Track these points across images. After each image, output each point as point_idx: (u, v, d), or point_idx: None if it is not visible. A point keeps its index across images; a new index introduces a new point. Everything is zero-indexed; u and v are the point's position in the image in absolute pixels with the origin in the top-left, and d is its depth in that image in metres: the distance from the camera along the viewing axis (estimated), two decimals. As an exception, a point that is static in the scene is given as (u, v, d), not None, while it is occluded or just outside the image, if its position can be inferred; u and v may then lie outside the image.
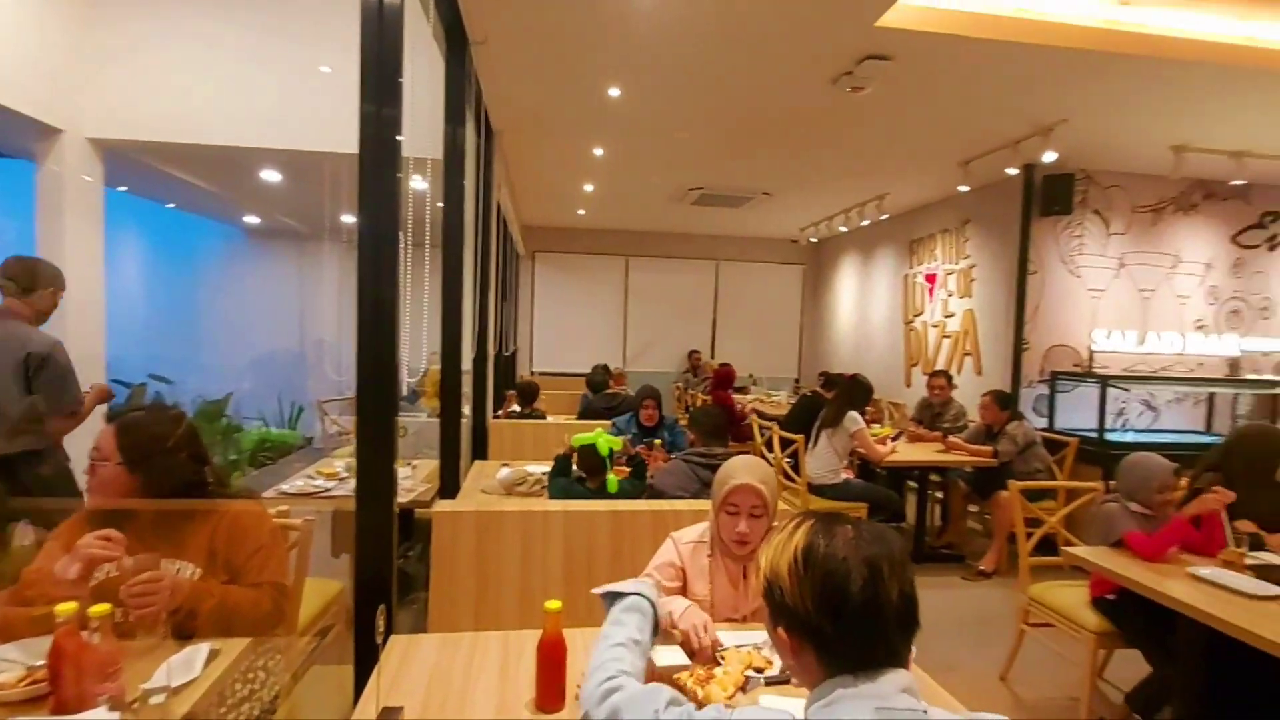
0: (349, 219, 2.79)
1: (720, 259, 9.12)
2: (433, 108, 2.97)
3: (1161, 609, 2.06)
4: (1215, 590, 2.04)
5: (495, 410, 4.94)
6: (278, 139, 3.29)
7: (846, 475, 4.17)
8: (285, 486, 2.86)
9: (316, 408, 4.45)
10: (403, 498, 2.77)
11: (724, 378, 6.29)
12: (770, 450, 4.35)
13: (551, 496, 2.64)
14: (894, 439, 4.60)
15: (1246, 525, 2.37)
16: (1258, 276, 5.30)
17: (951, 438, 4.46)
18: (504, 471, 2.96)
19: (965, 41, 2.96)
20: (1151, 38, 3.03)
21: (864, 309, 7.70)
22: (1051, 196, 4.82)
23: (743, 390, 8.04)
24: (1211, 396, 5.28)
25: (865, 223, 6.70)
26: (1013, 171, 4.59)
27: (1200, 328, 5.24)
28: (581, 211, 7.61)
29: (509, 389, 5.45)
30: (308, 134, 3.21)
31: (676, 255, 9.01)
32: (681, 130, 4.48)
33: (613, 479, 2.56)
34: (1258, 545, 2.33)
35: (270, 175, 4.20)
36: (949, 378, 4.89)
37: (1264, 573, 2.11)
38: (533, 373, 8.65)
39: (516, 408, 4.79)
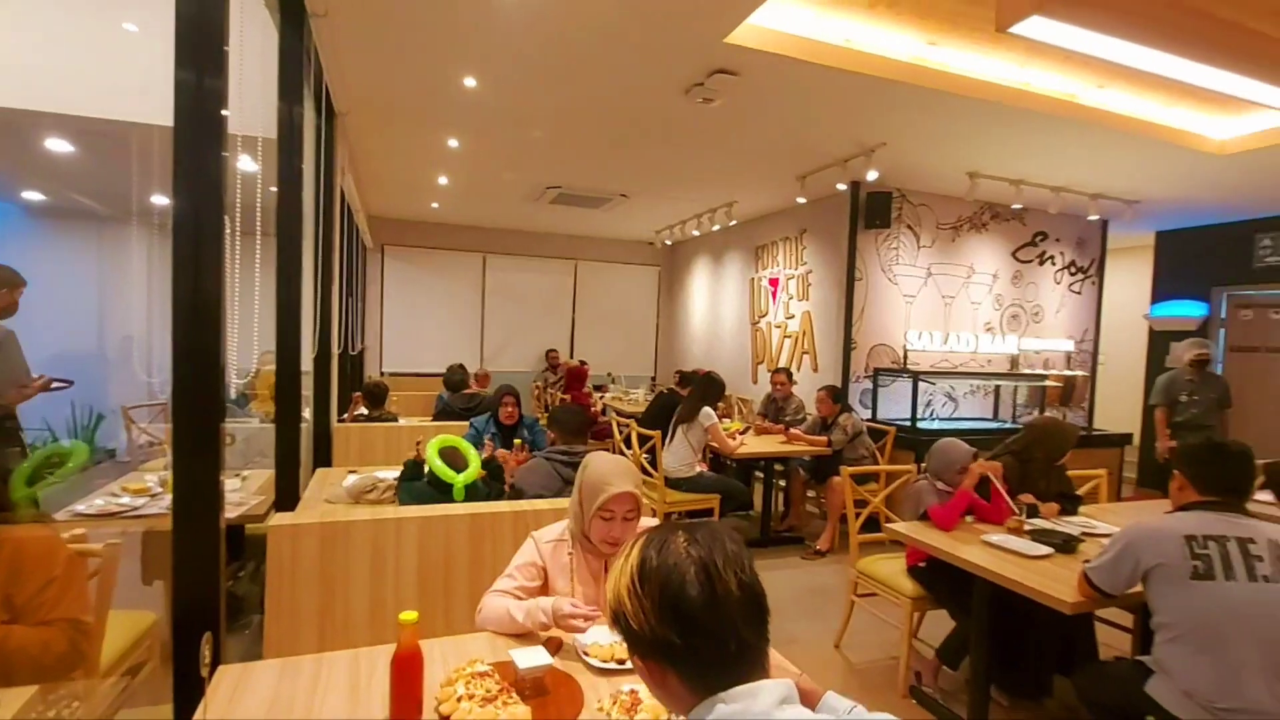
0: (162, 200, 2.46)
1: (579, 259, 9.17)
2: (264, 81, 2.70)
3: (962, 572, 2.38)
4: (1001, 553, 2.38)
5: (340, 414, 4.61)
6: (68, 103, 2.81)
7: (701, 468, 4.37)
8: (81, 507, 2.47)
9: (121, 415, 3.87)
10: (231, 512, 2.50)
11: (577, 376, 6.33)
12: (629, 447, 4.46)
13: (402, 504, 2.52)
14: (742, 433, 4.90)
15: (1027, 498, 2.81)
16: (1030, 286, 6.27)
17: (792, 430, 4.84)
18: (351, 478, 2.78)
19: (802, 65, 3.22)
20: (952, 76, 3.48)
21: (715, 310, 8.10)
22: (874, 211, 5.38)
23: (601, 388, 8.15)
24: (997, 388, 6.17)
25: (716, 228, 7.05)
26: (842, 187, 5.07)
27: (989, 329, 6.10)
28: (436, 205, 7.29)
29: (357, 390, 5.09)
30: (108, 100, 2.78)
31: (535, 254, 8.92)
32: (539, 128, 4.45)
33: (459, 483, 2.47)
34: (1034, 514, 2.77)
35: (59, 145, 3.58)
36: (790, 374, 5.29)
37: (1038, 536, 2.50)
38: (383, 373, 8.16)
39: (364, 410, 4.49)
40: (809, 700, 1.02)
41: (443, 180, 6.07)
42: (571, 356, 8.93)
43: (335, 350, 4.09)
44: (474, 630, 1.58)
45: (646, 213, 7.28)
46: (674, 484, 4.21)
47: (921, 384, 5.38)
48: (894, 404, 5.60)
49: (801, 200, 5.50)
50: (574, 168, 5.53)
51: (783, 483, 5.14)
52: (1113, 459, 5.39)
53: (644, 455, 4.30)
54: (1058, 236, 6.29)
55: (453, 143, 4.85)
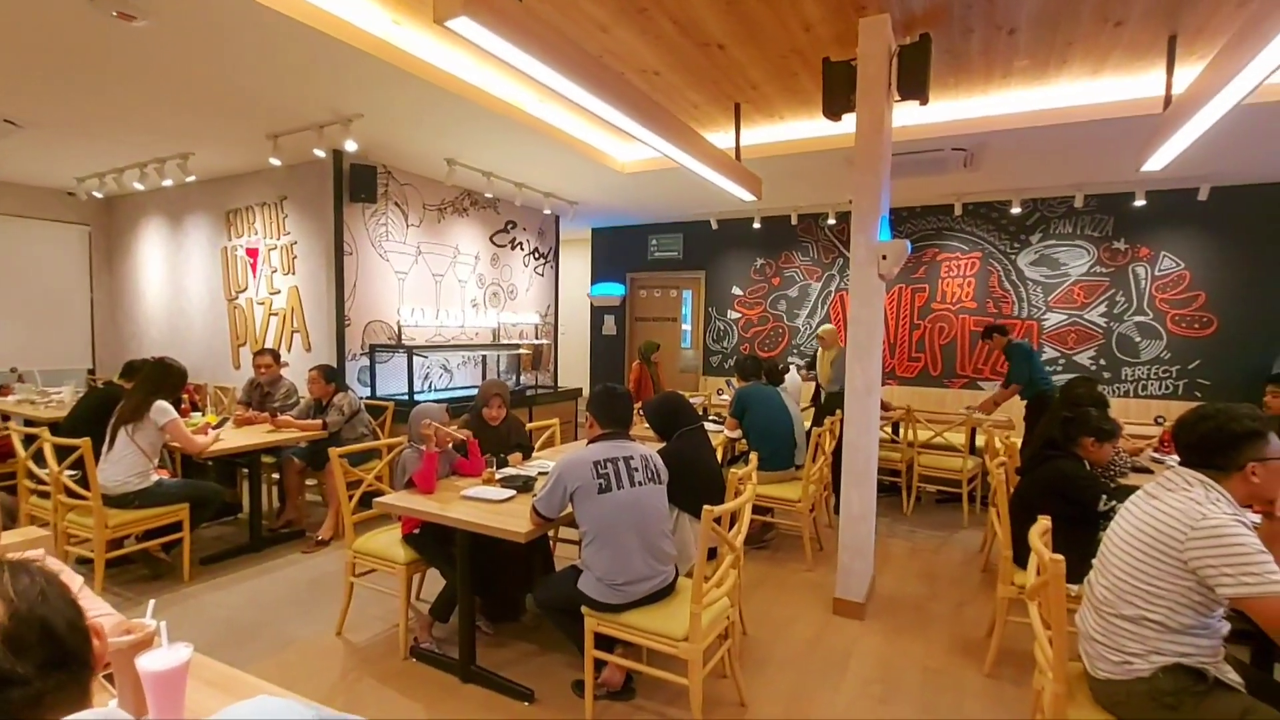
0: None
1: (-67, 206, 6.27)
2: None
3: (448, 529, 2.61)
4: (477, 504, 2.70)
5: None
6: None
7: (160, 475, 3.62)
8: None
9: None
10: None
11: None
12: (42, 464, 3.37)
13: None
14: (217, 426, 4.24)
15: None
16: (506, 268, 7.17)
17: (282, 416, 4.43)
18: None
19: (253, 5, 2.87)
20: (419, 62, 3.63)
21: (178, 283, 6.68)
22: (359, 185, 5.26)
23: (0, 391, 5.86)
24: (484, 358, 6.89)
25: (168, 183, 5.77)
26: (321, 154, 4.73)
27: (474, 305, 6.72)
28: None
29: None
30: None
31: None
32: None
33: None
34: (504, 464, 3.23)
35: None
36: (276, 356, 4.80)
37: (507, 482, 2.93)
38: None
39: None
40: None
41: None
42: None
43: None
44: None
45: (59, 151, 5.44)
46: (121, 501, 3.38)
47: (418, 358, 5.60)
48: (394, 379, 5.68)
49: (276, 163, 4.95)
50: (-102, 69, 3.71)
51: (276, 475, 4.68)
52: (570, 409, 6.70)
53: (67, 472, 3.31)
54: (524, 226, 7.33)
55: None
